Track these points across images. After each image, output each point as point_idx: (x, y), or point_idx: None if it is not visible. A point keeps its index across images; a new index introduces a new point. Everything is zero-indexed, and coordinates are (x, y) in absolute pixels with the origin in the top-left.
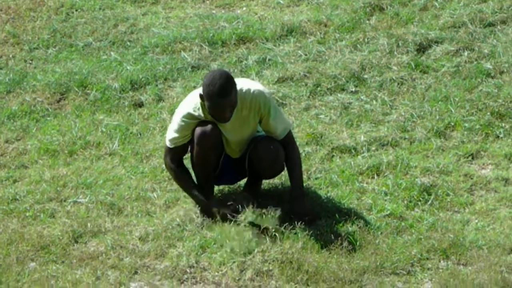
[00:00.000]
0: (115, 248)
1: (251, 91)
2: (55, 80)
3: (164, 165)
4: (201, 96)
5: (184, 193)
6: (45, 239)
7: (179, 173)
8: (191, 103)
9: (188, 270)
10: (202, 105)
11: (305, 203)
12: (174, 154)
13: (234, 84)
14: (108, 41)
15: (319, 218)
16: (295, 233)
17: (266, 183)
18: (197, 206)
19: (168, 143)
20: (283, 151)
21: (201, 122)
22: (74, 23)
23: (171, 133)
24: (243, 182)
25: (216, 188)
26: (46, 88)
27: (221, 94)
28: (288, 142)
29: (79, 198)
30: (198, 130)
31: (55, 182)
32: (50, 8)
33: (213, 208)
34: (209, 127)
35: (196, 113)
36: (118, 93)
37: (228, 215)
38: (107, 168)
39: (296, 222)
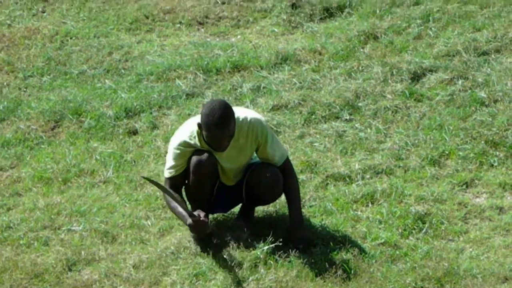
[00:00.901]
0: (109, 276)
1: (248, 119)
2: (50, 108)
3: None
4: (199, 125)
5: (178, 221)
6: (39, 267)
7: (169, 200)
8: (186, 131)
9: None
10: (199, 134)
11: (304, 230)
12: (172, 185)
13: (233, 114)
14: (103, 69)
15: (313, 245)
16: (290, 261)
17: (260, 211)
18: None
19: (165, 173)
20: (281, 176)
21: (197, 151)
22: (69, 51)
23: (168, 164)
24: (236, 209)
25: (210, 216)
26: (40, 116)
27: (220, 125)
28: (286, 169)
29: (73, 226)
30: (194, 158)
31: (49, 210)
32: (45, 36)
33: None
34: (205, 155)
35: (192, 142)
36: (113, 121)
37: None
38: (101, 196)
39: (290, 250)
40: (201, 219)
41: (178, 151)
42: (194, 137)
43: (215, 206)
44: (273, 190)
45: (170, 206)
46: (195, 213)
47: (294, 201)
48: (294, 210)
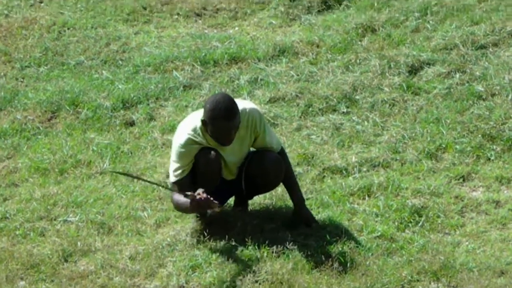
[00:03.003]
0: (105, 267)
1: (246, 110)
2: (47, 99)
3: (171, 204)
4: (203, 122)
5: (175, 213)
6: (35, 258)
7: (177, 199)
8: (189, 128)
9: None
10: (203, 130)
11: (308, 210)
12: (182, 186)
13: (237, 105)
14: (100, 60)
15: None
16: (286, 254)
17: (256, 203)
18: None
19: (172, 177)
20: (282, 160)
21: (203, 149)
22: (66, 41)
23: (174, 166)
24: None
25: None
26: (37, 106)
27: (227, 117)
28: (282, 155)
29: (69, 217)
30: (202, 158)
31: (45, 200)
32: (42, 26)
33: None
34: (212, 154)
35: (197, 139)
36: (110, 112)
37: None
38: (97, 187)
39: (287, 242)
40: (199, 197)
41: (184, 150)
42: (199, 134)
43: None
44: (278, 174)
45: (177, 203)
46: (191, 193)
47: (294, 183)
48: (295, 191)
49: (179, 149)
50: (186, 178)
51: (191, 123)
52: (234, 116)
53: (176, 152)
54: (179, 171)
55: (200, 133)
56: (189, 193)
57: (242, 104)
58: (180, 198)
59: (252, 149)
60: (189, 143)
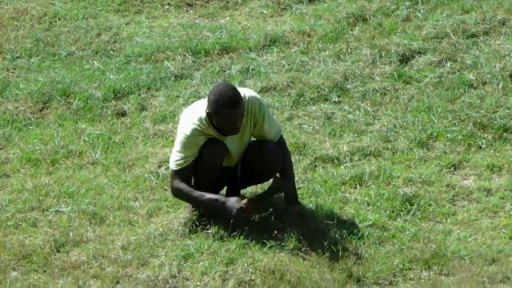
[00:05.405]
0: (97, 257)
1: (246, 97)
2: (38, 89)
3: (171, 192)
4: (208, 113)
5: (167, 203)
6: (27, 248)
7: (190, 190)
8: (194, 119)
9: (170, 280)
10: (207, 120)
11: (299, 206)
12: (182, 176)
13: (239, 93)
14: (91, 50)
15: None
16: (277, 243)
17: (247, 193)
18: (214, 210)
19: (173, 166)
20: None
21: (209, 142)
22: (57, 32)
23: (176, 155)
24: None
25: None
26: (28, 97)
27: (232, 106)
28: (281, 144)
29: (61, 207)
30: (208, 150)
31: (37, 191)
32: (33, 17)
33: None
34: (218, 146)
35: (203, 130)
36: (101, 102)
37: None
38: (89, 177)
39: (279, 231)
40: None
41: (190, 140)
42: (204, 124)
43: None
44: (276, 165)
45: (202, 201)
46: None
47: (289, 177)
48: (289, 186)
49: (186, 139)
50: (187, 168)
51: (196, 113)
52: (238, 104)
53: (181, 142)
54: (182, 161)
55: (206, 124)
56: (216, 197)
57: (243, 91)
58: (196, 193)
59: (252, 138)
60: (195, 134)
